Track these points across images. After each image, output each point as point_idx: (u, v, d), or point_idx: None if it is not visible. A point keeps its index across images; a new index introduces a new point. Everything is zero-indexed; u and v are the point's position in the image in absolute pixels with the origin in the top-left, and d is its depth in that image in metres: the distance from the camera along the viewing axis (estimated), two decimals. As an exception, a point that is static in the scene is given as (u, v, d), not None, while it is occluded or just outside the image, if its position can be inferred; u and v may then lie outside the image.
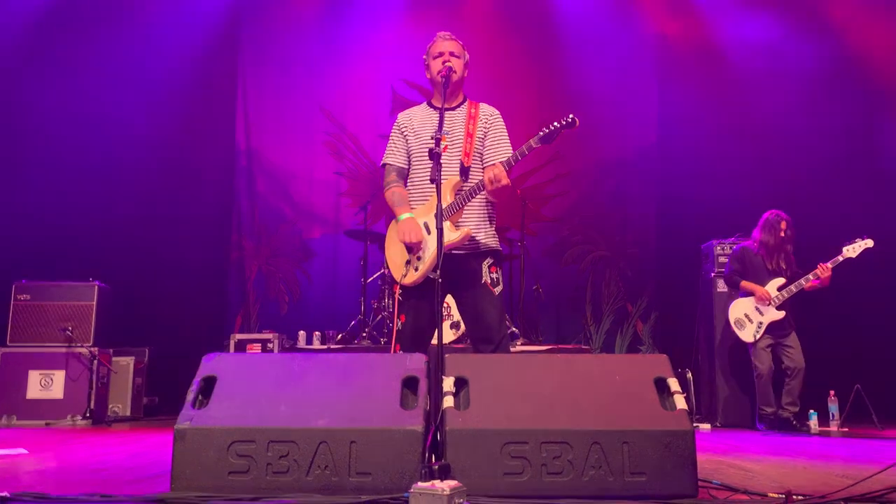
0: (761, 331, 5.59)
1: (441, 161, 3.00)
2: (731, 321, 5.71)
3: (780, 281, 5.60)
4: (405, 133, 3.48)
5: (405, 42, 7.73)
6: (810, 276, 5.46)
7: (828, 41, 7.19)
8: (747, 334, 5.63)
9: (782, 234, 5.67)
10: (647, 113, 7.81)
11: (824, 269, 5.41)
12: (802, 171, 7.10)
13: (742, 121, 7.42)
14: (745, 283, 5.67)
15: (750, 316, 5.65)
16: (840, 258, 5.41)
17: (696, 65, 7.65)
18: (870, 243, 5.37)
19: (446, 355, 2.55)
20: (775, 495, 2.29)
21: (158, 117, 7.33)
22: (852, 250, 5.39)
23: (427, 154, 3.09)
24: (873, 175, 6.82)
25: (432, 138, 3.03)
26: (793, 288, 5.51)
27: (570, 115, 3.13)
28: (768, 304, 5.56)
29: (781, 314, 5.54)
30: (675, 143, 7.62)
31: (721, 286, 6.17)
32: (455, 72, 3.35)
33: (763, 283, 5.62)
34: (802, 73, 7.30)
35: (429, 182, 3.18)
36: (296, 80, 7.88)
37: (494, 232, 3.45)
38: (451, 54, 3.38)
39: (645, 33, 7.86)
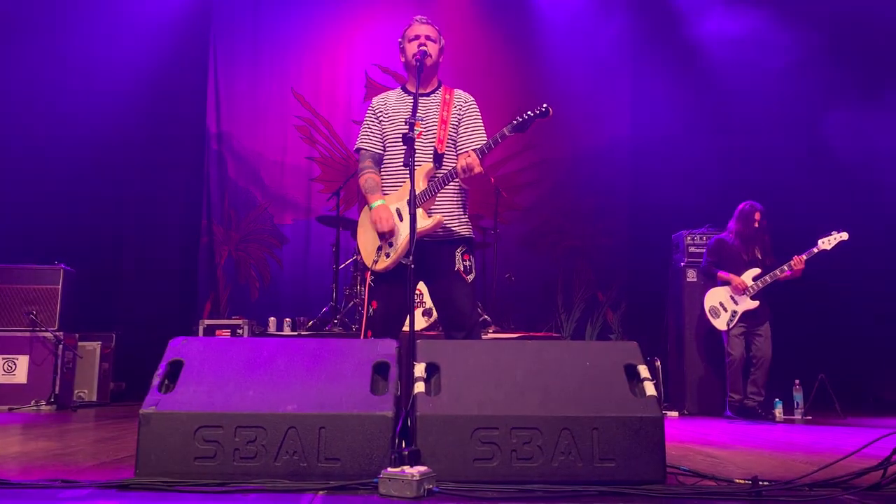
0: (735, 319, 5.66)
1: (415, 147, 2.98)
2: (706, 309, 5.77)
3: (756, 271, 5.66)
4: (380, 118, 3.45)
5: (380, 27, 7.68)
6: (784, 268, 5.53)
7: (798, 34, 7.25)
8: (721, 322, 5.70)
9: (756, 224, 5.73)
10: (620, 104, 7.87)
11: (798, 262, 5.48)
12: (773, 162, 7.20)
13: (714, 113, 7.50)
14: (721, 273, 5.73)
15: (724, 305, 5.71)
16: (815, 250, 5.47)
17: (669, 58, 7.70)
18: (845, 236, 5.44)
19: (418, 341, 2.53)
20: (742, 481, 2.32)
21: (127, 99, 7.18)
22: (827, 243, 5.46)
23: (400, 139, 3.06)
24: (844, 167, 6.92)
25: (406, 123, 3.01)
26: (767, 278, 5.57)
27: (544, 105, 3.12)
28: (743, 294, 5.62)
29: (755, 304, 5.62)
30: (647, 135, 7.69)
31: (691, 276, 6.24)
32: (430, 56, 3.33)
33: (739, 274, 5.68)
34: (773, 66, 7.37)
35: (402, 167, 3.17)
36: (268, 63, 7.78)
37: (468, 219, 3.44)
38: (427, 38, 3.36)
39: (620, 25, 7.88)
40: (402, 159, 3.02)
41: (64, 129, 6.89)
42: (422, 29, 3.38)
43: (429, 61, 3.31)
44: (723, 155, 7.39)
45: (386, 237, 3.24)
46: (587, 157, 7.77)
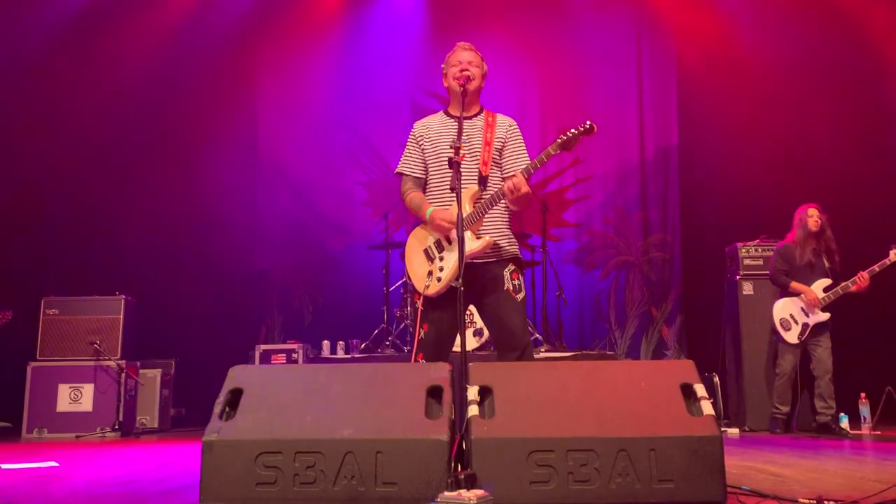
0: (806, 333, 5.52)
1: (460, 170, 3.00)
2: (777, 321, 5.60)
3: (826, 282, 5.52)
4: (421, 143, 3.49)
5: (425, 51, 7.78)
6: (850, 284, 5.40)
7: (848, 30, 7.07)
8: (792, 336, 5.55)
9: (810, 221, 5.58)
10: (667, 116, 7.77)
11: (864, 279, 5.34)
12: (828, 170, 6.99)
13: (765, 120, 7.34)
14: (795, 284, 5.58)
15: (795, 317, 5.56)
16: (887, 262, 5.31)
17: (716, 66, 7.59)
18: None
19: (470, 364, 2.54)
20: (806, 500, 2.26)
21: (181, 127, 7.39)
22: None
23: (446, 163, 3.09)
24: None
25: (451, 147, 3.04)
26: (839, 290, 5.43)
27: (588, 122, 3.11)
28: (815, 307, 5.48)
29: (827, 316, 5.49)
30: (696, 146, 7.57)
31: (747, 289, 6.10)
32: (473, 80, 3.35)
33: (808, 282, 5.54)
34: (823, 68, 7.19)
35: (448, 191, 3.19)
36: (316, 90, 7.94)
37: (514, 238, 3.44)
38: (470, 63, 3.39)
39: (664, 35, 7.83)
40: (447, 183, 3.05)
41: (122, 162, 7.13)
42: (465, 55, 3.41)
43: (471, 86, 3.34)
44: (777, 163, 7.20)
45: (449, 237, 3.26)
46: (635, 171, 7.70)
